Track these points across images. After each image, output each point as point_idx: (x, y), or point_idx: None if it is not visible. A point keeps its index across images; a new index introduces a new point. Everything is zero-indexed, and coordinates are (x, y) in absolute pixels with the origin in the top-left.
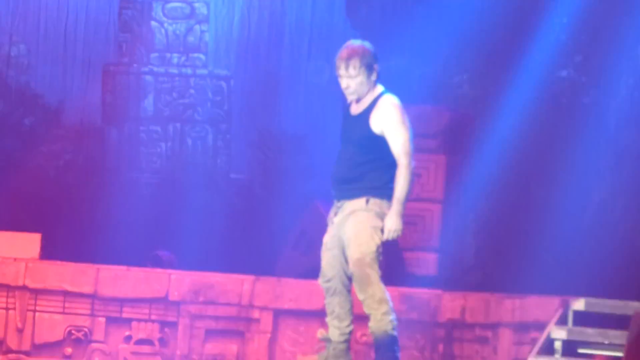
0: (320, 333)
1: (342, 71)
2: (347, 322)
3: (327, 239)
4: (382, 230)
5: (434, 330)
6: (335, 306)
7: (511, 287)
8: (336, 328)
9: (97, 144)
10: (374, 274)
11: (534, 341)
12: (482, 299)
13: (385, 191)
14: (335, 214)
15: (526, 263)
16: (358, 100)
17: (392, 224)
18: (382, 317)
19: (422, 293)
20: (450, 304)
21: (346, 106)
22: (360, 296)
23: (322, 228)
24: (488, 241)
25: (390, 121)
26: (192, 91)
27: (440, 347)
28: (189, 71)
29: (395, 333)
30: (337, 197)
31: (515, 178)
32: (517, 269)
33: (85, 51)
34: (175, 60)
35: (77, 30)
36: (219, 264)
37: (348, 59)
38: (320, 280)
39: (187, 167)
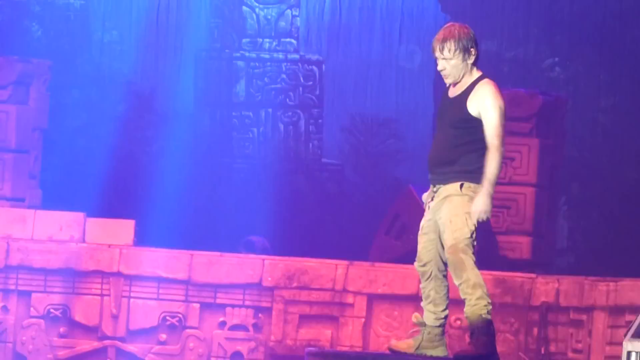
0: (415, 317)
1: (437, 53)
2: (442, 307)
3: (423, 223)
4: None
5: (528, 314)
6: (431, 291)
7: (605, 269)
8: (431, 312)
9: (189, 129)
10: (468, 259)
11: (628, 324)
12: (576, 282)
13: (479, 175)
14: (432, 199)
15: (620, 245)
16: (456, 84)
17: (482, 205)
18: (476, 302)
19: (515, 276)
20: (544, 288)
21: (445, 89)
22: (456, 281)
23: (416, 212)
24: (581, 224)
25: (485, 105)
26: (283, 76)
27: (535, 331)
28: (281, 56)
29: (489, 317)
30: (432, 182)
31: (607, 160)
32: (610, 252)
33: (177, 37)
34: (266, 46)
35: (169, 16)
36: (312, 249)
37: (443, 41)
38: (416, 264)
39: (279, 152)
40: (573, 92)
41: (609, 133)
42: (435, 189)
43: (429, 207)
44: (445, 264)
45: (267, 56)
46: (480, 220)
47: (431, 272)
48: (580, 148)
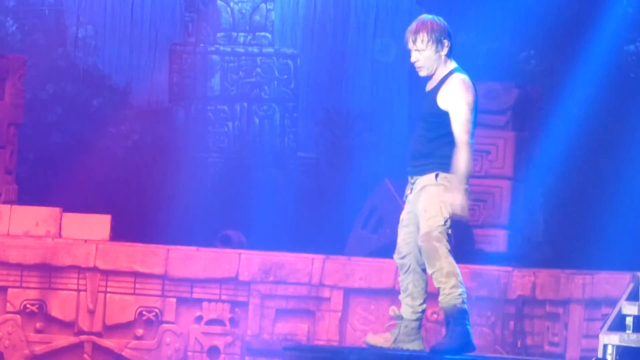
0: (392, 310)
1: (410, 45)
2: (420, 301)
3: (403, 215)
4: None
5: (504, 307)
6: (409, 284)
7: (581, 262)
8: (409, 306)
9: (164, 124)
10: (442, 247)
11: (605, 317)
12: (552, 275)
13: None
14: (411, 191)
15: (596, 238)
16: (431, 77)
17: (453, 199)
18: (450, 291)
19: (492, 270)
20: (521, 281)
21: (424, 82)
22: (429, 270)
23: (392, 206)
24: (557, 217)
25: (453, 100)
26: (258, 70)
27: (511, 324)
28: (255, 50)
29: (465, 307)
30: (410, 174)
31: (583, 153)
32: (587, 245)
33: (151, 31)
34: (241, 39)
35: (144, 11)
36: (289, 243)
37: (416, 32)
38: (395, 257)
39: (254, 146)
40: (549, 85)
41: (584, 125)
42: (412, 181)
43: (408, 199)
44: None
45: (241, 50)
46: (455, 214)
47: (410, 265)
48: (556, 141)
